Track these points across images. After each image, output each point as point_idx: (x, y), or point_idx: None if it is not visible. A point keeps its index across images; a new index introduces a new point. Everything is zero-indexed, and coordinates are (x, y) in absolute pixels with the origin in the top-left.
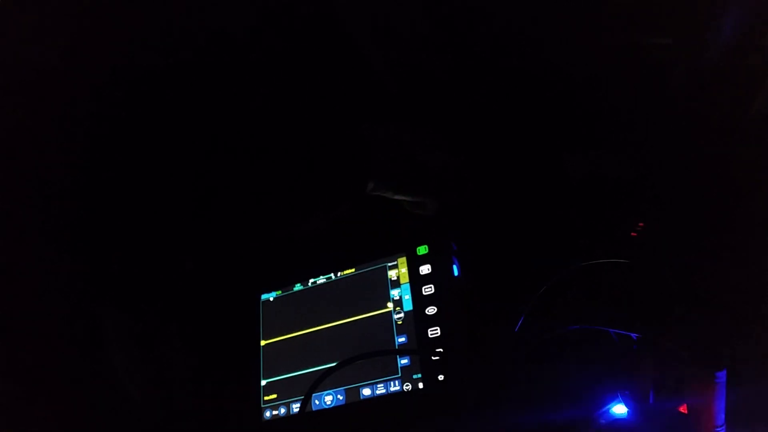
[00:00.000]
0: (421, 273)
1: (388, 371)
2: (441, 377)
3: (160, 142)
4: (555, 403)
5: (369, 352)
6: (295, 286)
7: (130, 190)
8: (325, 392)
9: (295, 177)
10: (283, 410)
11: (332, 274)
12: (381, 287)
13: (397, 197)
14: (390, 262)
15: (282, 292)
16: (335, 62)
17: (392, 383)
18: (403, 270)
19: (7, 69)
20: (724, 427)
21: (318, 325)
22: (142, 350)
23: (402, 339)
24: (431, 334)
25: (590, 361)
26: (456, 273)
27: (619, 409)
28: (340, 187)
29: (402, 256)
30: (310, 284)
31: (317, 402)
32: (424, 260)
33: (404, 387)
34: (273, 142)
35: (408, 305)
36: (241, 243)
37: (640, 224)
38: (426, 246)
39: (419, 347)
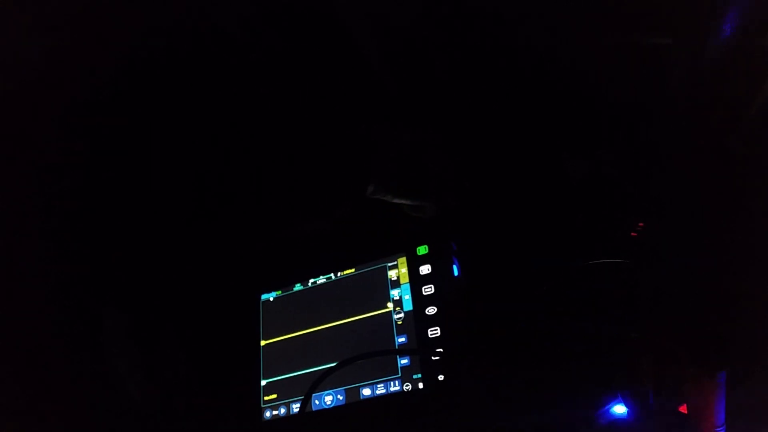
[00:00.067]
0: (421, 273)
1: (388, 371)
2: (441, 377)
3: (160, 142)
4: (555, 403)
5: (369, 352)
6: (295, 286)
7: (130, 190)
8: (325, 392)
9: (296, 179)
10: (283, 410)
11: (332, 274)
12: (381, 287)
13: (396, 200)
14: (390, 262)
15: (282, 292)
16: (335, 62)
17: (392, 383)
18: (403, 270)
19: (7, 69)
20: (724, 427)
21: (318, 325)
22: (142, 350)
23: (402, 339)
24: (431, 334)
25: (590, 361)
26: (456, 273)
27: (619, 409)
28: (340, 189)
29: (402, 256)
30: (310, 284)
31: (317, 402)
32: (424, 260)
33: (404, 387)
34: (273, 144)
35: (408, 305)
36: (241, 243)
37: (640, 224)
38: (426, 246)
39: (419, 347)
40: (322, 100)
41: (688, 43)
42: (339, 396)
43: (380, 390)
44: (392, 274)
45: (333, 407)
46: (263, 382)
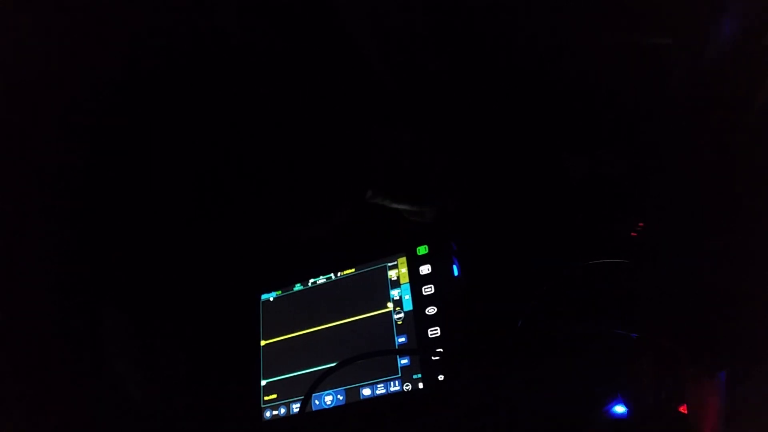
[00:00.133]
0: (421, 273)
1: (388, 371)
2: (441, 377)
3: (160, 143)
4: (555, 403)
5: (369, 352)
6: (295, 286)
7: (131, 190)
8: (325, 392)
9: (294, 184)
10: (283, 410)
11: (332, 274)
12: (381, 287)
13: (394, 206)
14: (390, 262)
15: (282, 292)
16: (335, 62)
17: (392, 383)
18: (403, 270)
19: (7, 69)
20: (723, 428)
21: (318, 325)
22: (142, 350)
23: (402, 339)
24: (431, 334)
25: (590, 361)
26: (456, 273)
27: (619, 409)
28: (338, 194)
29: (402, 256)
30: (310, 284)
31: (317, 402)
32: (424, 260)
33: (404, 387)
34: (272, 146)
35: (408, 305)
36: (241, 243)
37: (640, 224)
38: (426, 246)
39: (419, 347)
40: (322, 100)
41: (688, 43)
42: (339, 396)
43: (380, 390)
44: (392, 274)
45: (333, 407)
46: (263, 382)
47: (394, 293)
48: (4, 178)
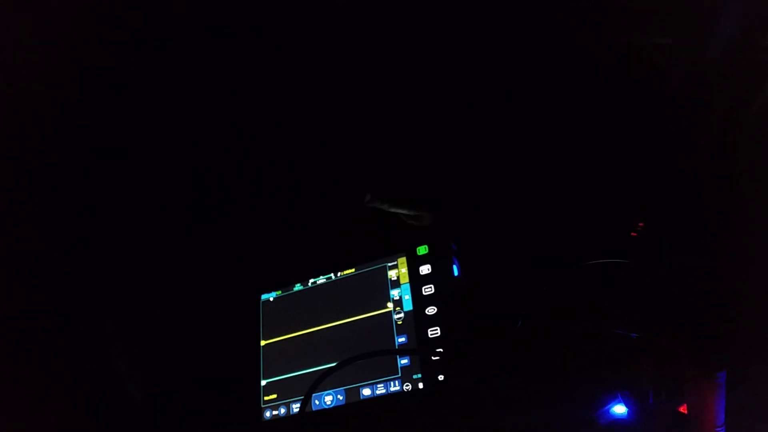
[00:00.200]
0: (421, 273)
1: (388, 371)
2: (441, 377)
3: (160, 143)
4: (555, 403)
5: (369, 352)
6: (295, 286)
7: (130, 190)
8: (325, 392)
9: (293, 188)
10: (283, 410)
11: (332, 274)
12: (381, 287)
13: (393, 210)
14: (390, 262)
15: (282, 292)
16: (335, 62)
17: (392, 383)
18: (403, 270)
19: (8, 69)
20: (723, 427)
21: (318, 325)
22: (142, 350)
23: (402, 339)
24: (431, 334)
25: (590, 361)
26: (456, 273)
27: (619, 409)
28: (337, 199)
29: (402, 256)
30: (310, 284)
31: (317, 402)
32: (424, 260)
33: (404, 387)
34: (272, 147)
35: (408, 305)
36: (242, 243)
37: (640, 224)
38: (426, 246)
39: (419, 347)
40: (322, 101)
41: (688, 43)
42: (339, 396)
43: (380, 390)
44: (392, 274)
45: (333, 407)
46: (263, 382)
47: (394, 293)
48: (4, 178)
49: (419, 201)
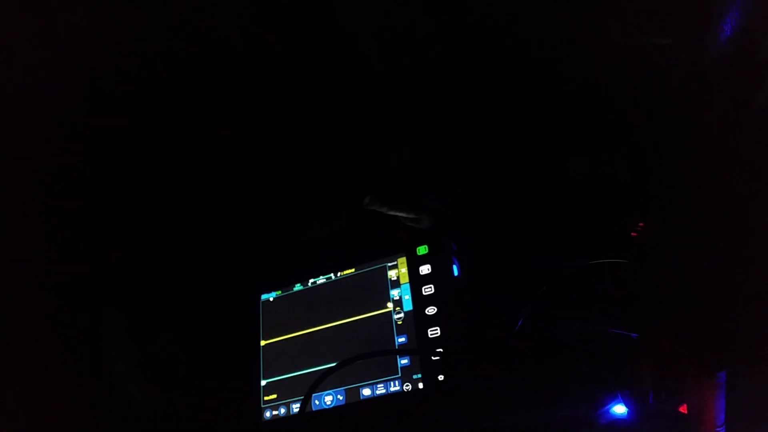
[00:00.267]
0: (421, 273)
1: (388, 371)
2: (441, 377)
3: (160, 143)
4: (555, 403)
5: (369, 352)
6: (295, 286)
7: (130, 190)
8: (325, 392)
9: (294, 185)
10: (283, 410)
11: (332, 274)
12: (381, 287)
13: (392, 213)
14: (390, 262)
15: (282, 292)
16: (335, 63)
17: (392, 383)
18: (403, 270)
19: (8, 69)
20: (723, 427)
21: (318, 325)
22: (142, 350)
23: (402, 339)
24: (431, 334)
25: (590, 361)
26: (456, 273)
27: (619, 409)
28: (336, 201)
29: (402, 256)
30: (310, 284)
31: (317, 402)
32: (424, 260)
33: (404, 387)
34: (272, 147)
35: (408, 305)
36: (242, 243)
37: (640, 224)
38: (426, 246)
39: (419, 347)
40: (322, 101)
41: (688, 43)
42: (339, 396)
43: (380, 390)
44: (392, 274)
45: (333, 407)
46: (263, 382)
47: (394, 293)
48: (4, 178)
49: (418, 204)
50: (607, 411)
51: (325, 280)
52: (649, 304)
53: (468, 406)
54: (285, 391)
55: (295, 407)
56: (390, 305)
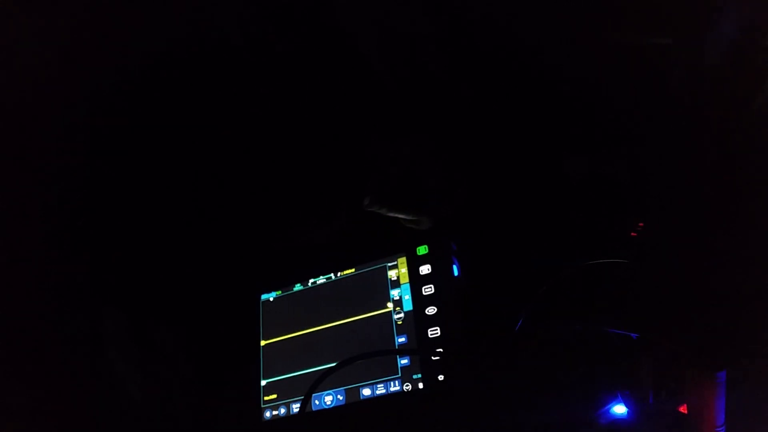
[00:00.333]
0: (421, 273)
1: (388, 371)
2: (441, 377)
3: (159, 143)
4: (555, 403)
5: (369, 352)
6: (295, 286)
7: (131, 190)
8: (325, 392)
9: (294, 186)
10: (283, 410)
11: (332, 274)
12: (381, 287)
13: (391, 214)
14: (390, 262)
15: (282, 292)
16: (335, 63)
17: (392, 383)
18: (403, 270)
19: (8, 69)
20: (723, 427)
21: (318, 325)
22: (142, 350)
23: (402, 339)
24: (431, 334)
25: (590, 361)
26: (456, 273)
27: (619, 409)
28: (336, 203)
29: (402, 256)
30: (310, 284)
31: (317, 402)
32: (424, 260)
33: (404, 387)
34: (272, 147)
35: (408, 305)
36: (242, 243)
37: (640, 224)
38: (426, 246)
39: (419, 347)
40: (322, 101)
41: (688, 43)
42: (339, 396)
43: (380, 390)
44: (392, 274)
45: (333, 407)
46: (263, 382)
47: (394, 293)
48: (4, 178)
49: (418, 205)
50: (607, 411)
51: (325, 280)
52: (649, 304)
53: (468, 406)
54: (285, 391)
55: (295, 407)
56: (390, 305)
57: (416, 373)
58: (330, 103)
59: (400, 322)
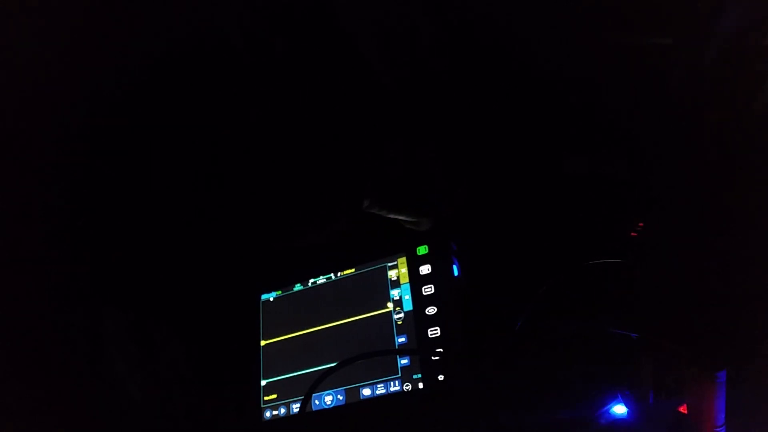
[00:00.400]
0: (421, 273)
1: (388, 371)
2: (441, 377)
3: (159, 143)
4: (555, 403)
5: (369, 352)
6: (295, 286)
7: (131, 190)
8: (325, 392)
9: (294, 186)
10: (283, 410)
11: (332, 274)
12: (381, 287)
13: (391, 216)
14: (390, 262)
15: (282, 292)
16: (335, 63)
17: (392, 383)
18: (403, 270)
19: (8, 69)
20: (724, 428)
21: (318, 325)
22: (142, 350)
23: (402, 339)
24: (431, 334)
25: (590, 361)
26: (456, 273)
27: (619, 409)
28: (335, 204)
29: (402, 256)
30: (310, 284)
31: (317, 402)
32: (424, 260)
33: (404, 387)
34: (272, 147)
35: (408, 305)
36: (242, 243)
37: (640, 224)
38: (426, 246)
39: (419, 347)
40: (322, 102)
41: (688, 43)
42: (339, 396)
43: (380, 390)
44: (392, 274)
45: (333, 407)
46: (263, 382)
47: (394, 293)
48: (4, 178)
49: (418, 207)
50: (607, 411)
51: (325, 280)
52: (649, 304)
53: (468, 406)
54: (285, 391)
55: (295, 407)
56: (390, 305)
57: (416, 373)
58: (330, 104)
59: (400, 322)
